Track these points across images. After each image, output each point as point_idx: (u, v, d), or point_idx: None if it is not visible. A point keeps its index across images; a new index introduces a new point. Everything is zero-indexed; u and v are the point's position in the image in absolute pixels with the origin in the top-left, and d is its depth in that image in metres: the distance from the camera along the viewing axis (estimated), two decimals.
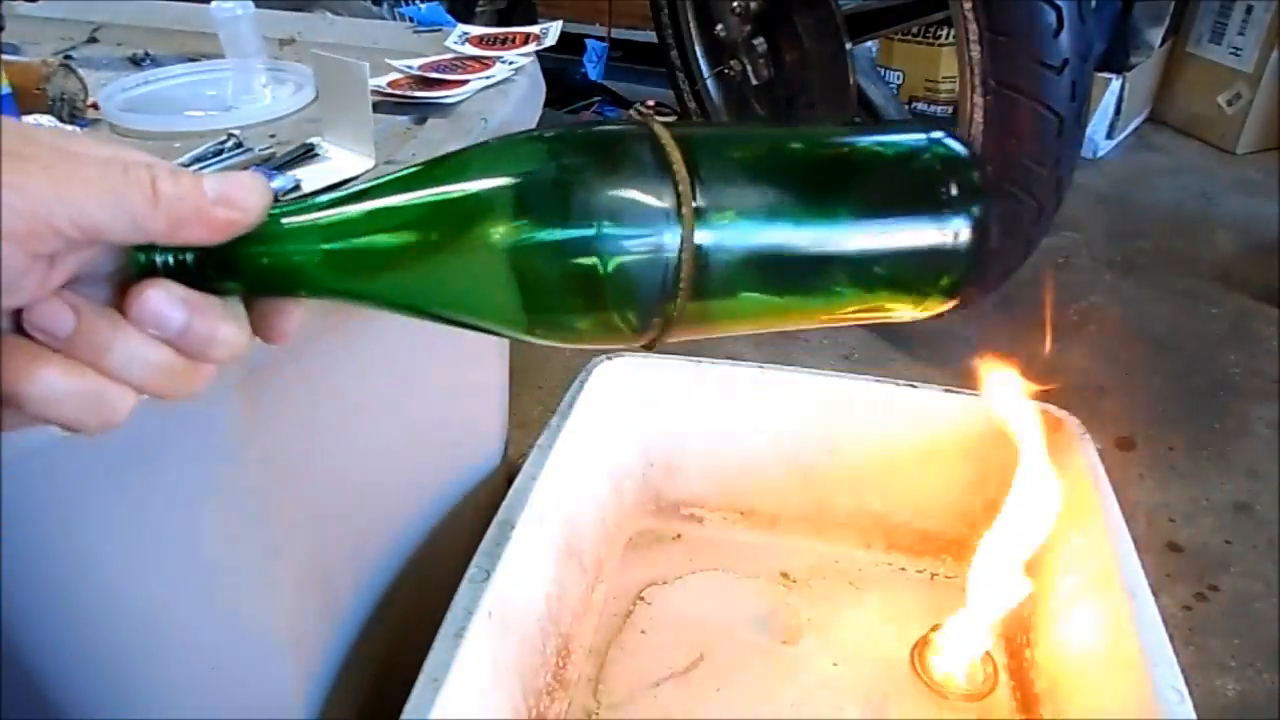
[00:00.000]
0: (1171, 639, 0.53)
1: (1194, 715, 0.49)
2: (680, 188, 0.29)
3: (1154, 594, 0.56)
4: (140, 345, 0.26)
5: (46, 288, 0.25)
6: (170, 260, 0.26)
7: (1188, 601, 0.83)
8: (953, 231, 0.33)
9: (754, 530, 0.83)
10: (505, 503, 0.63)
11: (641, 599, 0.76)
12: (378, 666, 0.64)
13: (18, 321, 0.25)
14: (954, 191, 0.33)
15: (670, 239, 0.29)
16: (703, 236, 0.29)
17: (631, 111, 0.32)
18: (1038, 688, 0.65)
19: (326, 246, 0.28)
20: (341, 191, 0.29)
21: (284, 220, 0.28)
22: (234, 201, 0.26)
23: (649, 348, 0.32)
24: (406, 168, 0.30)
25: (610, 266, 0.29)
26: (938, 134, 0.34)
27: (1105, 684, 0.56)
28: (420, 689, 0.50)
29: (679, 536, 0.82)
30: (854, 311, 0.34)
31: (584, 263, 0.29)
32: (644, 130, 0.30)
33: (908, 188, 0.33)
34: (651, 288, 0.29)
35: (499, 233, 0.28)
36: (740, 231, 0.31)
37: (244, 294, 0.28)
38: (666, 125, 0.31)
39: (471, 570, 0.58)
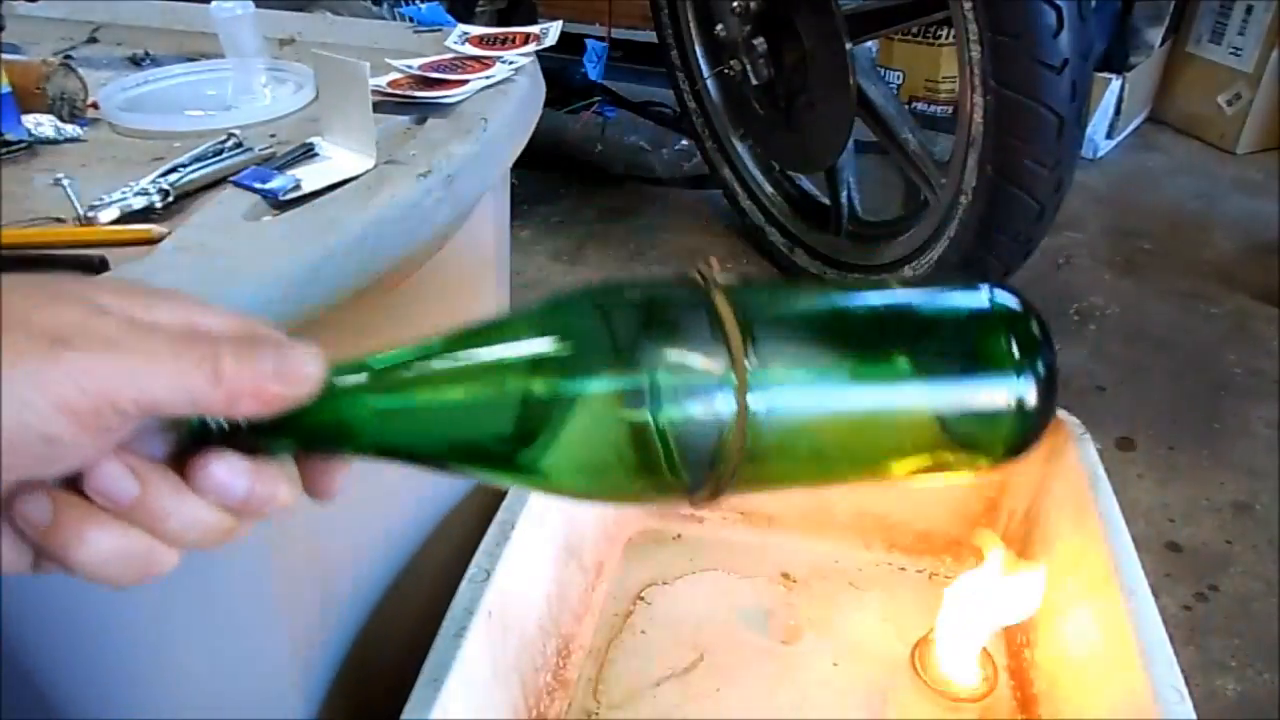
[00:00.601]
0: (1171, 639, 0.53)
1: (1194, 715, 0.49)
2: (734, 353, 0.29)
3: (1154, 594, 0.56)
4: (200, 510, 0.27)
5: (101, 453, 0.25)
6: (224, 424, 0.27)
7: (1188, 601, 0.83)
8: (1017, 391, 0.32)
9: (754, 530, 0.83)
10: (505, 503, 0.63)
11: (641, 599, 0.76)
12: (377, 666, 0.64)
13: (69, 478, 0.25)
14: (1015, 350, 0.32)
15: (724, 404, 0.29)
16: (756, 401, 0.29)
17: (696, 274, 0.31)
18: (1038, 688, 0.65)
19: (377, 407, 0.29)
20: (392, 353, 0.29)
21: (336, 383, 0.28)
22: (289, 379, 0.26)
23: (701, 506, 0.32)
24: (455, 330, 0.30)
25: (664, 429, 0.29)
26: (994, 291, 0.33)
27: (1105, 684, 0.56)
28: (420, 689, 0.50)
29: (679, 536, 0.82)
30: (913, 473, 0.33)
31: (638, 425, 0.29)
32: (699, 294, 0.31)
33: (969, 348, 0.33)
34: (705, 451, 0.30)
35: (553, 395, 0.29)
36: (795, 397, 0.31)
37: (294, 452, 0.29)
38: (723, 288, 0.31)
39: (471, 570, 0.58)
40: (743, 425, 0.29)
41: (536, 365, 0.29)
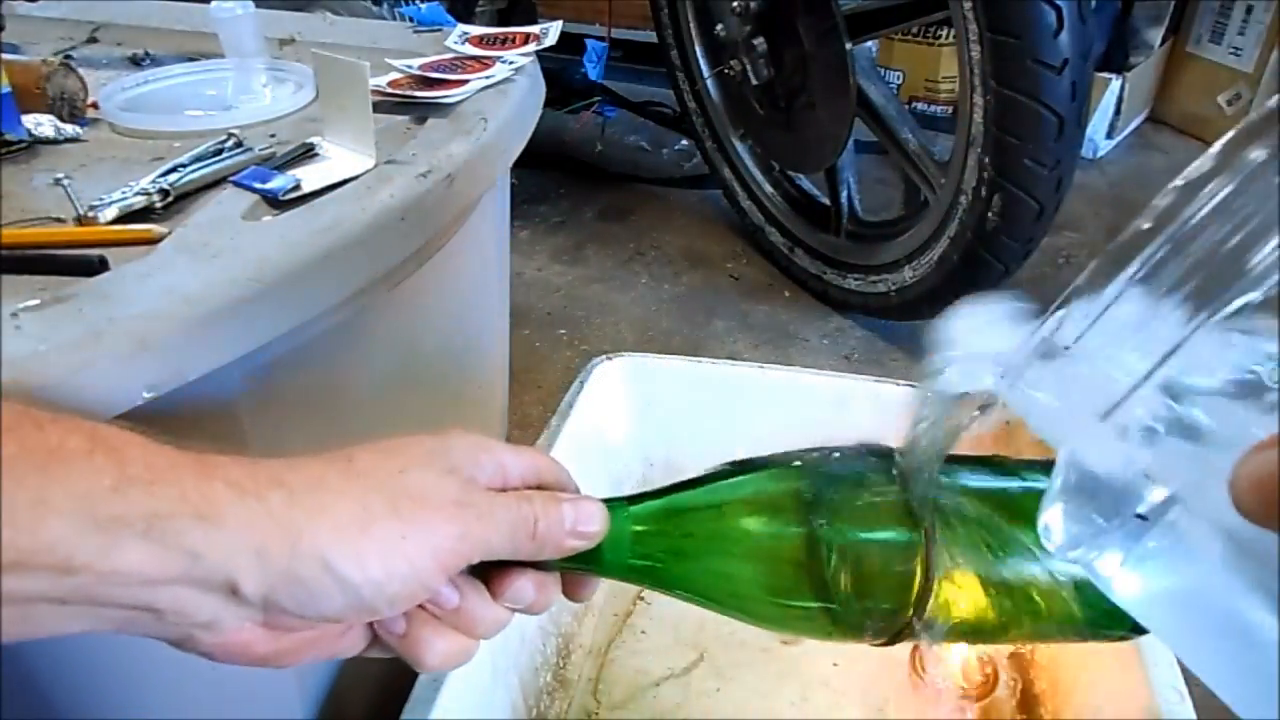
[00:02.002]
0: None
1: (1194, 715, 0.49)
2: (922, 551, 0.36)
3: None
4: (499, 613, 0.35)
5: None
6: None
7: None
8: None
9: None
10: None
11: (641, 599, 0.76)
12: (377, 666, 0.64)
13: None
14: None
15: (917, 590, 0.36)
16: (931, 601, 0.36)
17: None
18: (1038, 688, 0.65)
19: (627, 552, 0.36)
20: (645, 504, 0.37)
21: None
22: (583, 534, 0.35)
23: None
24: (699, 481, 0.38)
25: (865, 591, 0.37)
26: None
27: (1105, 684, 0.56)
28: (420, 689, 0.50)
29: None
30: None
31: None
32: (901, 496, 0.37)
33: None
34: (895, 617, 0.37)
35: (793, 546, 0.37)
36: (964, 595, 0.36)
37: (564, 569, 0.37)
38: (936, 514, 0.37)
39: None
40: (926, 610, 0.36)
41: (781, 518, 0.37)
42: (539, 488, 0.36)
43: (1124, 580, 0.26)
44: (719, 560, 0.37)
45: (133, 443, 0.27)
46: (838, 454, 0.39)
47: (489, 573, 0.35)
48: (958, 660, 0.67)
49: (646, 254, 1.45)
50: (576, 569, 0.37)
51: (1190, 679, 0.51)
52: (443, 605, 0.33)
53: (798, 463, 0.38)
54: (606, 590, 0.76)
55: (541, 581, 0.35)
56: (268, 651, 0.30)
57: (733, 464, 0.39)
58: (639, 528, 0.36)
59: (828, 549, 0.36)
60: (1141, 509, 0.25)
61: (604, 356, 0.77)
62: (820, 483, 0.37)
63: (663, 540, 0.37)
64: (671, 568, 0.37)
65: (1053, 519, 0.28)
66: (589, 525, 0.35)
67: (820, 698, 0.68)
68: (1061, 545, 0.28)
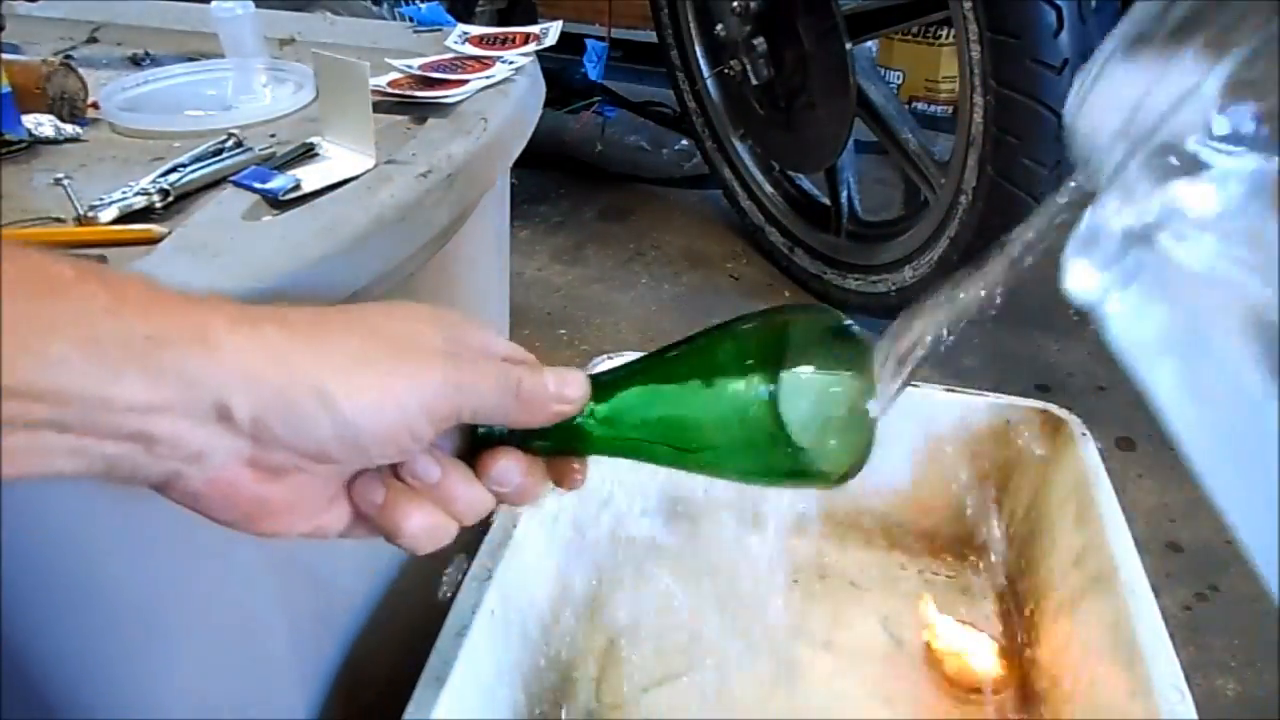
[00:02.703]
0: (1171, 639, 0.53)
1: (1195, 715, 0.49)
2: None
3: (1154, 594, 0.56)
4: (480, 494, 0.35)
5: (426, 446, 0.33)
6: (504, 430, 0.36)
7: (1188, 601, 0.83)
8: None
9: (754, 530, 0.83)
10: None
11: (642, 599, 0.76)
12: (378, 666, 0.64)
13: (393, 470, 0.33)
14: None
15: None
16: None
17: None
18: (1038, 688, 0.65)
19: (610, 424, 0.37)
20: (621, 375, 0.38)
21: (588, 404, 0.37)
22: (567, 398, 0.35)
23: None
24: (665, 350, 0.39)
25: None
26: None
27: (1105, 684, 0.56)
28: (423, 688, 0.50)
29: (679, 537, 0.82)
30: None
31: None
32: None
33: None
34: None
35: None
36: None
37: (550, 452, 0.38)
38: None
39: (474, 569, 0.58)
40: None
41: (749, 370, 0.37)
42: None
43: (1128, 318, 0.29)
44: (692, 429, 0.38)
45: (130, 277, 0.27)
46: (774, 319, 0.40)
47: (476, 454, 0.35)
48: (973, 655, 0.67)
49: (646, 254, 1.45)
50: (559, 450, 0.38)
51: (1190, 679, 0.51)
52: (422, 478, 0.33)
53: (749, 325, 0.39)
54: (607, 590, 0.76)
55: (525, 465, 0.36)
56: (253, 497, 0.30)
57: (689, 338, 0.40)
58: (613, 406, 0.37)
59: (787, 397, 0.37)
60: (1147, 246, 0.26)
61: (604, 356, 0.77)
62: (771, 344, 0.39)
63: (637, 415, 0.38)
64: (647, 442, 0.38)
65: (1077, 262, 0.30)
66: (573, 389, 0.35)
67: (820, 698, 0.68)
68: (1084, 287, 0.29)
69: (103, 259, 0.44)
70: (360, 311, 0.32)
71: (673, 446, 0.38)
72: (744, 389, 0.37)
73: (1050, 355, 1.20)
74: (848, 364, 0.39)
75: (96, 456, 0.26)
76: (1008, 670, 0.67)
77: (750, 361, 0.38)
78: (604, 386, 0.37)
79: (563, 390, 0.35)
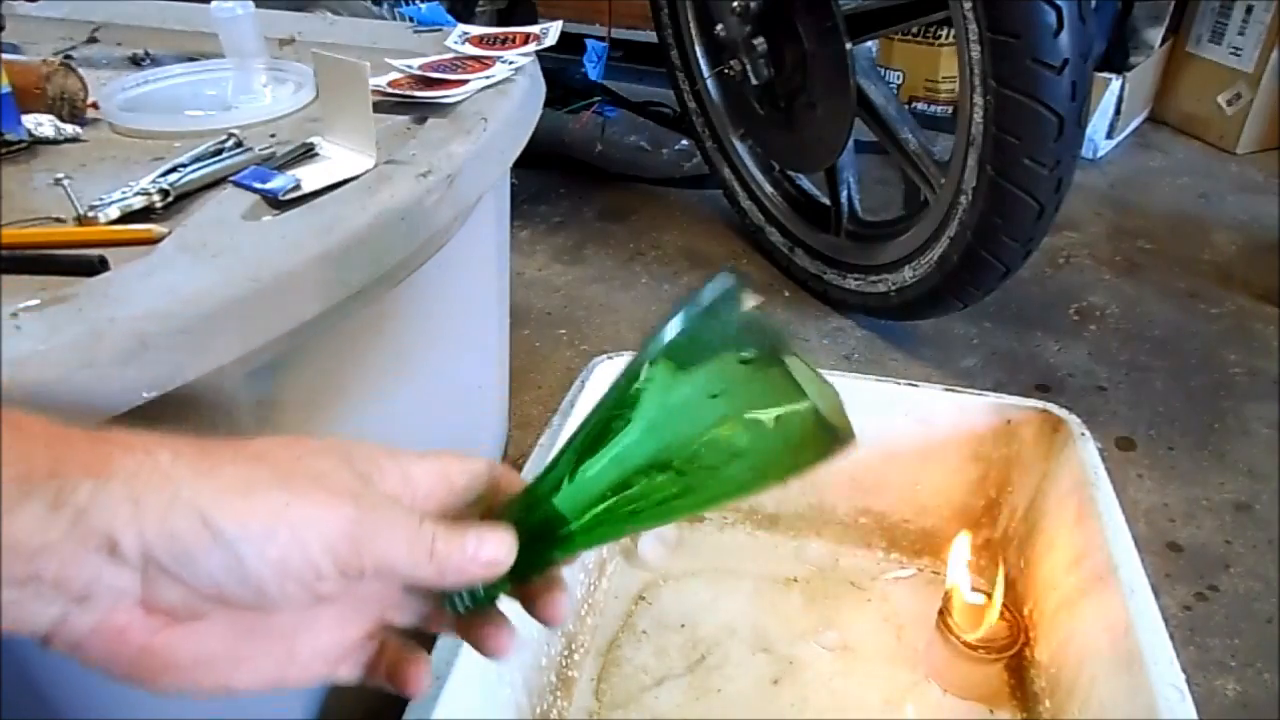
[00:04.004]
0: (1171, 639, 0.53)
1: (1194, 714, 0.49)
2: None
3: (1154, 594, 0.56)
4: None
5: (339, 593, 0.30)
6: (468, 599, 0.35)
7: (1188, 601, 0.83)
8: None
9: (754, 530, 0.83)
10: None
11: (642, 599, 0.76)
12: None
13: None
14: None
15: None
16: None
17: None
18: (1037, 687, 0.65)
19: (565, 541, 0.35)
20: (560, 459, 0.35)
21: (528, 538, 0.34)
22: (487, 561, 0.32)
23: None
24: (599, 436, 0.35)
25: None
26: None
27: (1105, 683, 0.56)
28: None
29: (679, 536, 0.82)
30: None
31: None
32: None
33: None
34: None
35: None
36: None
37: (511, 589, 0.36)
38: None
39: None
40: None
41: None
42: (449, 501, 0.34)
43: None
44: (664, 503, 0.35)
45: (27, 415, 0.26)
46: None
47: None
48: (985, 617, 0.67)
49: (646, 254, 1.45)
50: (525, 580, 0.35)
51: (1190, 679, 0.51)
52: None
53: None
54: (608, 590, 0.76)
55: (505, 631, 0.36)
56: (144, 647, 0.28)
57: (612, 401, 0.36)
58: (575, 485, 0.35)
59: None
60: None
61: (604, 356, 0.77)
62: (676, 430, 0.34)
63: (608, 511, 0.35)
64: (617, 525, 0.35)
65: None
66: (492, 551, 0.32)
67: (820, 698, 0.68)
68: None
69: (103, 259, 0.44)
70: (261, 444, 0.30)
71: (660, 484, 0.34)
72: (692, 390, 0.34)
73: (1050, 355, 1.20)
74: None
75: None
76: (1019, 630, 0.67)
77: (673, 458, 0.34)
78: (551, 479, 0.34)
79: (481, 552, 0.32)
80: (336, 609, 0.33)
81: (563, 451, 0.35)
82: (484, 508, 0.36)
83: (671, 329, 0.34)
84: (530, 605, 0.36)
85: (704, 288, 0.35)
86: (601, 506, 0.34)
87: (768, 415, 0.34)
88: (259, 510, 0.27)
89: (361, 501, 0.29)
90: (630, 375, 0.35)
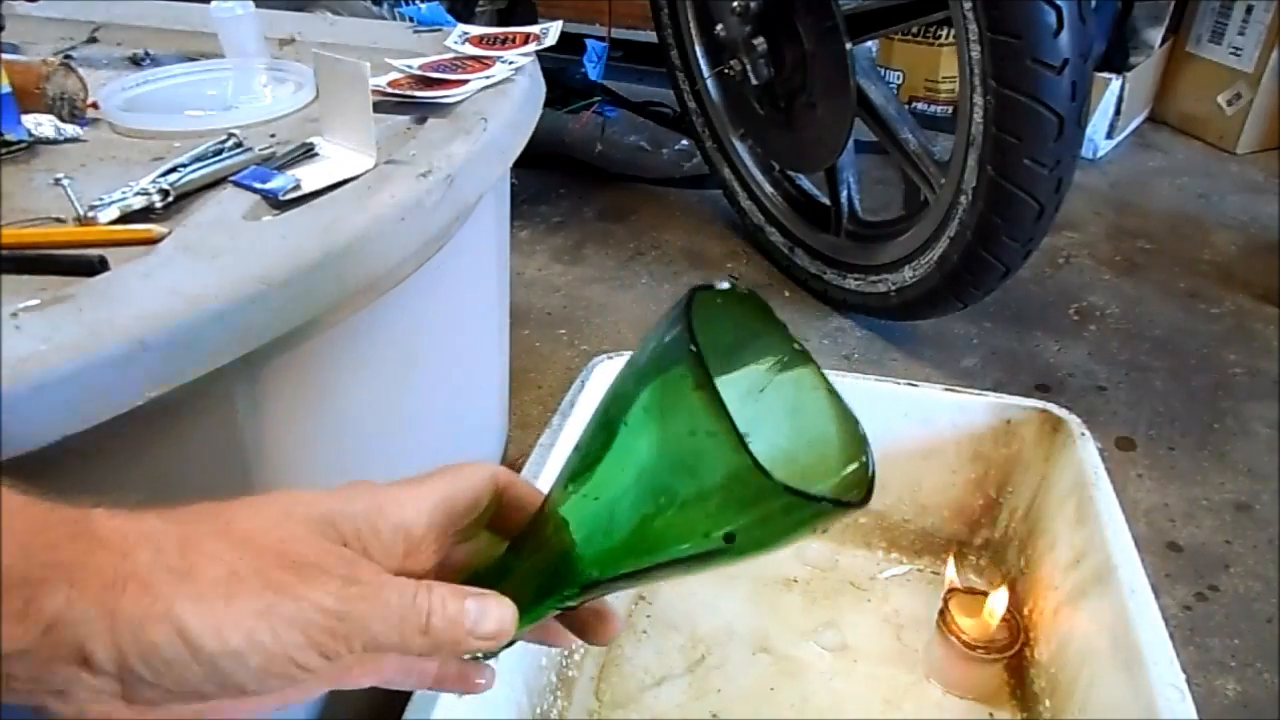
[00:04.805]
0: (1171, 639, 0.53)
1: (1194, 714, 0.49)
2: None
3: (1154, 594, 0.56)
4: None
5: (333, 677, 0.31)
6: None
7: (1188, 601, 0.83)
8: None
9: None
10: None
11: (642, 599, 0.76)
12: None
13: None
14: None
15: None
16: None
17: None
18: (1037, 687, 0.65)
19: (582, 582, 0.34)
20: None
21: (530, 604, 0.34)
22: (487, 635, 0.31)
23: None
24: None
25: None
26: None
27: (1105, 683, 0.56)
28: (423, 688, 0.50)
29: None
30: None
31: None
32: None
33: None
34: None
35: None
36: None
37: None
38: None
39: None
40: None
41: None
42: (454, 526, 0.34)
43: None
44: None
45: (13, 501, 0.26)
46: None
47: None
48: (984, 617, 0.67)
49: (646, 254, 1.45)
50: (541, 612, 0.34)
51: (1190, 679, 0.51)
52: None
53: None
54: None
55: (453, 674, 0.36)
56: None
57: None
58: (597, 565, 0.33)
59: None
60: None
61: (604, 356, 0.77)
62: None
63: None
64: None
65: None
66: (492, 625, 0.31)
67: (820, 698, 0.68)
68: None
69: (103, 259, 0.44)
70: (248, 521, 0.29)
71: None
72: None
73: (1050, 355, 1.20)
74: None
75: None
76: (1018, 631, 0.67)
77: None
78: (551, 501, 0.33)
79: (480, 626, 0.31)
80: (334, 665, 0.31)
81: (560, 474, 0.34)
82: (490, 517, 0.36)
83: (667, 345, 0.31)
84: (580, 632, 0.36)
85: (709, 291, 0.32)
86: (612, 539, 0.32)
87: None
88: (241, 617, 0.26)
89: (349, 590, 0.28)
90: (620, 395, 0.33)
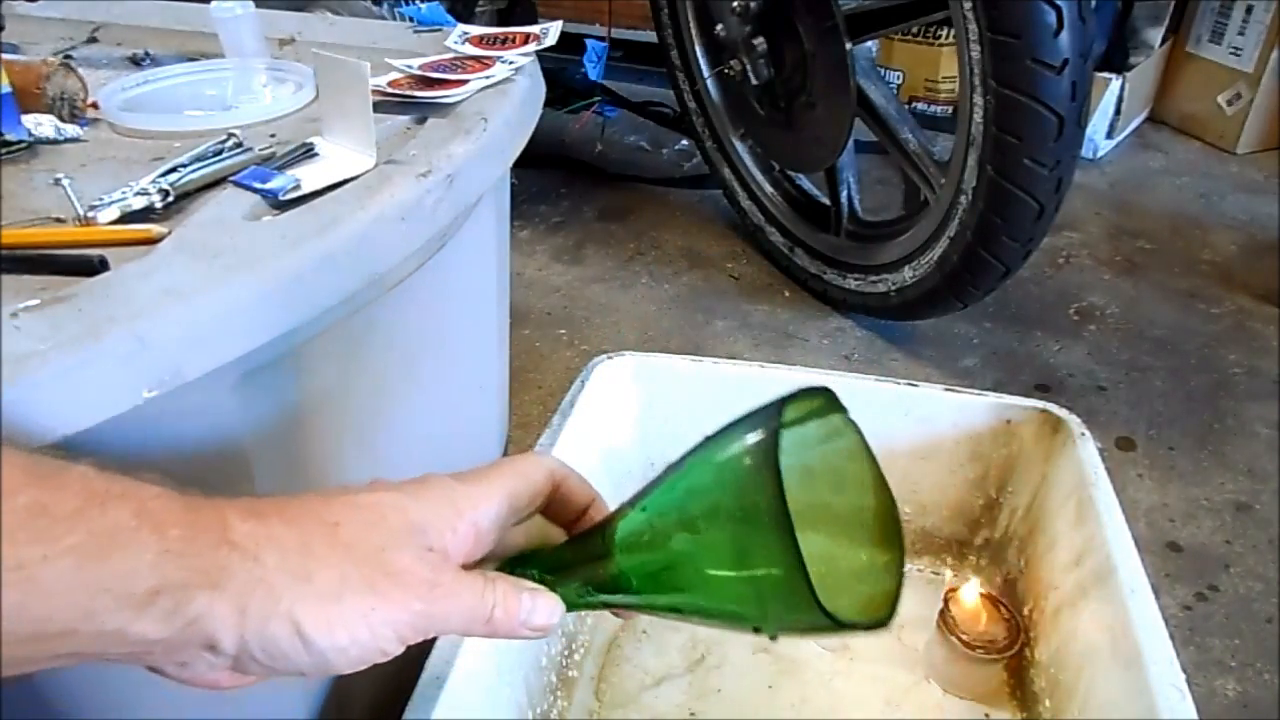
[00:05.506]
0: (1171, 639, 0.53)
1: (1195, 714, 0.49)
2: None
3: (1154, 594, 0.56)
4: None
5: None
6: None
7: (1188, 601, 0.83)
8: None
9: None
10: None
11: None
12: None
13: None
14: None
15: None
16: None
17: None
18: (1037, 687, 0.65)
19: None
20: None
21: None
22: (536, 627, 0.38)
23: None
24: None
25: None
26: None
27: (1105, 683, 0.56)
28: (423, 688, 0.50)
29: None
30: None
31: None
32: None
33: None
34: None
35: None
36: None
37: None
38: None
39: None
40: None
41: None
42: (514, 519, 0.39)
43: None
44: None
45: (170, 509, 0.30)
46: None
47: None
48: (984, 617, 0.67)
49: (646, 254, 1.45)
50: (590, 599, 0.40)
51: (1190, 679, 0.51)
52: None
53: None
54: None
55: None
56: (230, 684, 0.33)
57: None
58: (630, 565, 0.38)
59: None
60: None
61: (604, 356, 0.77)
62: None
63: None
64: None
65: None
66: (542, 619, 0.38)
67: (820, 698, 0.68)
68: None
69: (103, 259, 0.44)
70: (347, 533, 0.33)
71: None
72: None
73: (1050, 355, 1.20)
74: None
75: (91, 657, 0.29)
76: (1018, 631, 0.67)
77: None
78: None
79: (532, 620, 0.37)
80: None
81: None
82: (544, 505, 0.42)
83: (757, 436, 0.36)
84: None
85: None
86: (640, 555, 0.37)
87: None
88: (348, 617, 0.32)
89: (435, 592, 0.34)
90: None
